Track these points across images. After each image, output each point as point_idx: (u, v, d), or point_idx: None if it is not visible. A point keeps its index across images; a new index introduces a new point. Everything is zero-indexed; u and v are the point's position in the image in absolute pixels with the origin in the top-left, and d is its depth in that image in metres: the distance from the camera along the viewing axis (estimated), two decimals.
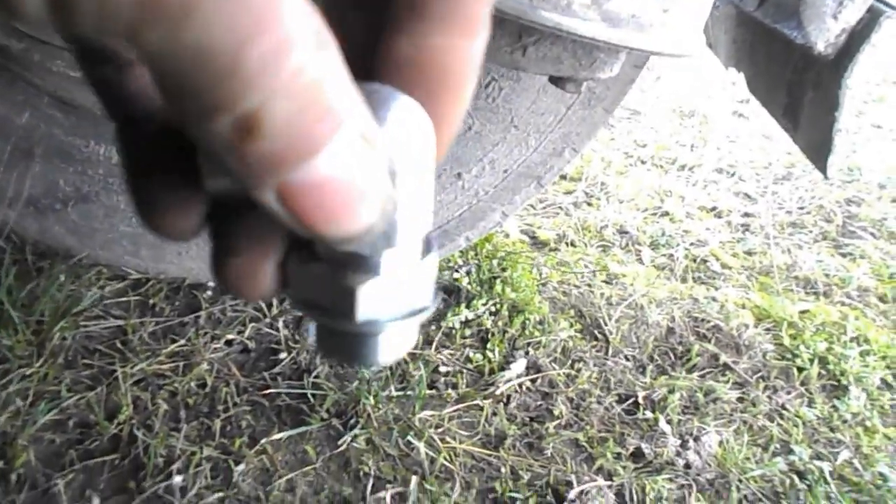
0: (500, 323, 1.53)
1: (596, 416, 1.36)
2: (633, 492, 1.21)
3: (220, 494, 1.10)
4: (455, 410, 1.32)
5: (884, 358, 1.63)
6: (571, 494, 1.18)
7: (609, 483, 1.22)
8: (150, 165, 0.27)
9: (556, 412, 1.34)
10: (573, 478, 1.22)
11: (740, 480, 1.27)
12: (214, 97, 0.19)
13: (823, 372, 1.56)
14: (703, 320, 1.66)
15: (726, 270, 1.92)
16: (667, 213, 2.17)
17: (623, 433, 1.33)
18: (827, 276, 1.95)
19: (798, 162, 2.58)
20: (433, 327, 1.49)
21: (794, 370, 1.56)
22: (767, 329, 1.68)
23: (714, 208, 2.25)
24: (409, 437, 1.23)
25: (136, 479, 1.11)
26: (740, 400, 1.46)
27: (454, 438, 1.26)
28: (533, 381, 1.41)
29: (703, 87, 3.27)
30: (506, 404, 1.35)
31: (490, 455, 1.25)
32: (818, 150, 1.01)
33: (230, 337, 1.39)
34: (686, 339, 1.60)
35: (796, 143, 1.09)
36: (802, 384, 1.53)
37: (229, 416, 1.23)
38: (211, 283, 1.48)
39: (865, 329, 1.70)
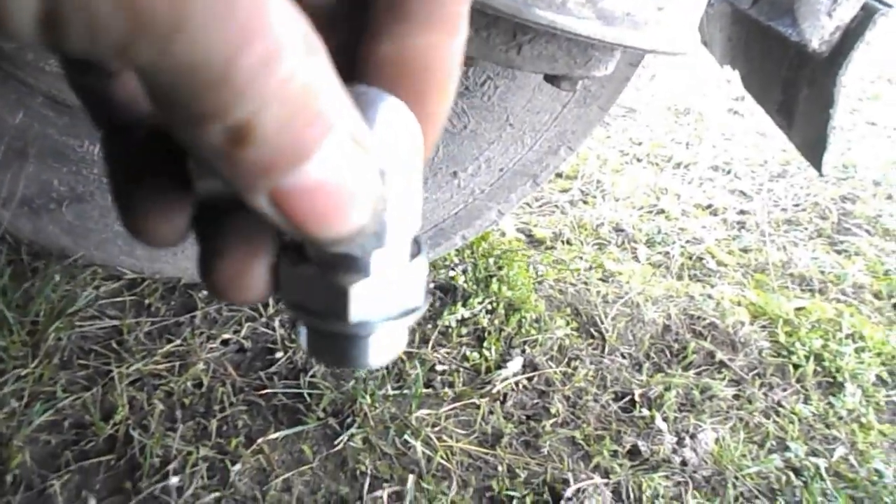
0: (496, 321, 1.53)
1: (592, 413, 1.36)
2: (630, 489, 1.22)
3: (217, 494, 1.10)
4: (452, 409, 1.32)
5: (879, 354, 1.63)
6: (568, 492, 1.18)
7: (606, 481, 1.22)
8: (138, 171, 0.27)
9: (552, 410, 1.34)
10: (570, 476, 1.22)
11: (736, 477, 1.27)
12: (206, 107, 0.19)
13: (819, 369, 1.57)
14: (699, 318, 1.66)
15: (722, 268, 1.92)
16: (662, 211, 2.17)
17: (619, 431, 1.33)
18: (822, 273, 1.96)
19: (793, 159, 2.59)
20: (429, 326, 1.49)
21: (790, 367, 1.56)
22: (763, 326, 1.68)
23: (709, 206, 2.26)
24: (405, 436, 1.23)
25: (132, 479, 1.11)
26: (736, 397, 1.46)
27: (451, 437, 1.26)
28: (529, 379, 1.41)
29: (698, 85, 3.27)
30: (502, 403, 1.35)
31: (487, 453, 1.25)
32: (813, 147, 1.01)
33: (226, 336, 1.38)
34: (682, 337, 1.60)
35: (791, 141, 1.10)
36: (798, 381, 1.53)
37: (225, 415, 1.23)
38: None
39: (861, 326, 1.71)
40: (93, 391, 1.23)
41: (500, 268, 1.68)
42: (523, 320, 1.54)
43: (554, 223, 2.01)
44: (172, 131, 0.21)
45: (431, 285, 1.61)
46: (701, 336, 1.61)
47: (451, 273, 1.64)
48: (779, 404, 1.46)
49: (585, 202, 2.17)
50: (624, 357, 1.52)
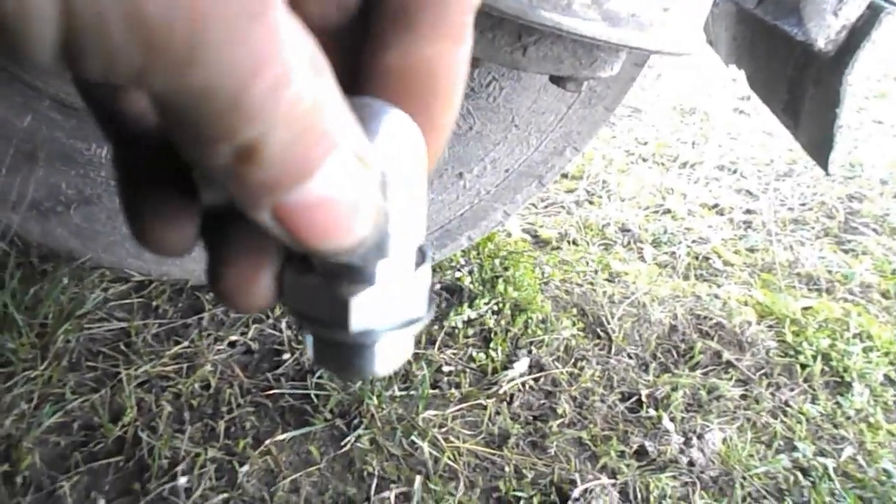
0: (502, 322, 1.53)
1: (599, 414, 1.36)
2: (637, 490, 1.21)
3: (225, 495, 1.11)
4: (458, 410, 1.32)
5: (887, 354, 1.63)
6: (575, 493, 1.18)
7: (613, 481, 1.22)
8: (146, 181, 0.27)
9: (559, 411, 1.34)
10: (577, 476, 1.22)
11: (744, 478, 1.27)
12: (216, 129, 0.20)
13: (826, 368, 1.56)
14: (705, 318, 1.66)
15: (728, 268, 1.92)
16: (669, 211, 2.17)
17: (626, 431, 1.33)
18: (829, 272, 1.95)
19: (799, 158, 2.58)
20: (436, 327, 1.49)
21: (798, 367, 1.56)
22: (770, 326, 1.68)
23: (716, 205, 2.25)
24: (412, 437, 1.23)
25: (140, 480, 1.11)
26: (743, 397, 1.46)
27: (458, 438, 1.26)
28: (536, 379, 1.41)
29: (703, 85, 3.27)
30: (509, 403, 1.35)
31: (494, 454, 1.25)
32: (819, 146, 1.01)
33: (233, 338, 1.39)
34: (689, 337, 1.60)
35: (797, 140, 1.09)
36: (806, 381, 1.53)
37: (233, 417, 1.23)
38: None
39: (868, 325, 1.70)
40: (101, 393, 1.23)
41: (506, 268, 1.68)
42: (529, 321, 1.54)
43: (560, 224, 2.01)
44: (179, 149, 0.21)
45: (438, 286, 1.61)
46: (708, 336, 1.61)
47: (458, 274, 1.64)
48: (786, 404, 1.46)
49: (591, 202, 2.17)
50: (630, 357, 1.52)
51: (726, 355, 1.55)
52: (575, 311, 1.62)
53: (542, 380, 1.41)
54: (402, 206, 0.25)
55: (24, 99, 1.21)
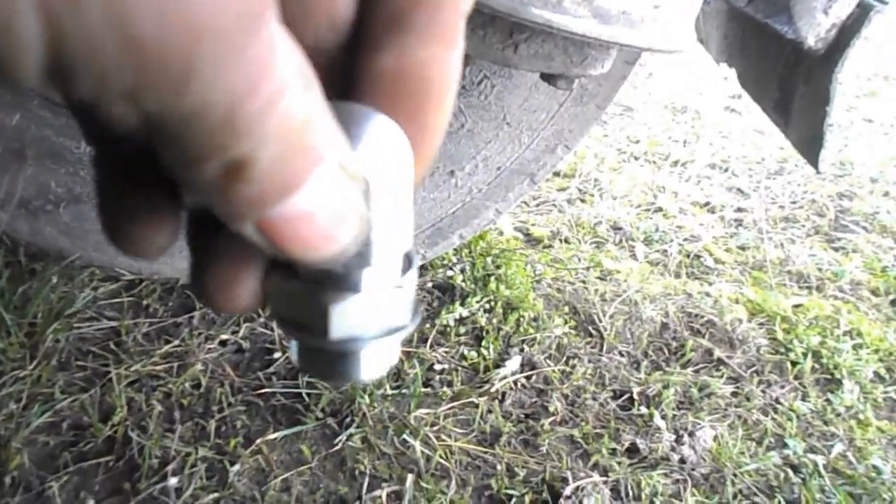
0: (494, 320, 1.53)
1: (591, 412, 1.36)
2: (629, 487, 1.22)
3: (216, 495, 1.10)
4: (450, 408, 1.32)
5: (876, 351, 1.63)
6: (567, 491, 1.18)
7: (604, 479, 1.22)
8: (127, 183, 0.26)
9: (551, 409, 1.35)
10: (569, 474, 1.22)
11: (735, 475, 1.27)
12: (206, 147, 0.19)
13: (817, 366, 1.57)
14: (696, 315, 1.66)
15: (720, 265, 1.93)
16: (660, 209, 2.18)
17: (618, 429, 1.33)
18: (820, 270, 1.96)
19: (790, 157, 2.59)
20: (428, 325, 1.49)
21: (788, 364, 1.56)
22: (761, 324, 1.68)
23: (707, 204, 2.26)
24: (404, 436, 1.23)
25: (130, 480, 1.11)
26: (734, 394, 1.46)
27: (450, 436, 1.26)
28: (528, 377, 1.41)
29: (695, 83, 3.28)
30: (501, 401, 1.35)
31: (486, 452, 1.25)
32: (809, 144, 1.01)
33: (224, 337, 1.38)
34: (680, 335, 1.60)
35: (788, 138, 1.10)
36: (796, 378, 1.53)
37: (224, 416, 1.23)
38: None
39: (858, 322, 1.71)
40: (91, 392, 1.23)
41: (498, 267, 1.68)
42: (521, 319, 1.54)
43: (552, 222, 2.01)
44: (164, 164, 0.21)
45: (430, 284, 1.61)
46: (699, 334, 1.62)
47: (450, 272, 1.64)
48: (777, 401, 1.47)
49: (583, 201, 2.17)
50: (622, 355, 1.52)
51: (717, 353, 1.56)
52: (567, 309, 1.63)
53: (533, 378, 1.41)
54: (387, 213, 0.25)
55: (14, 97, 1.20)
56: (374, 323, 0.27)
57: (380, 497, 1.14)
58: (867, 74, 3.77)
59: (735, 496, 1.24)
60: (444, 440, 1.25)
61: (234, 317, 1.43)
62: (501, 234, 1.88)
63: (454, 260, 1.69)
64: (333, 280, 0.26)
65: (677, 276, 1.85)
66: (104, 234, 0.27)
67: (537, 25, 0.72)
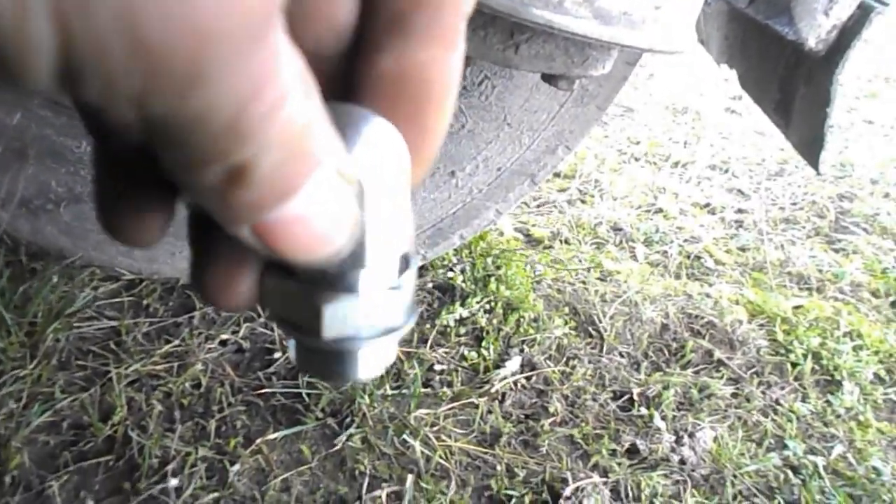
0: (494, 321, 1.53)
1: (591, 413, 1.36)
2: (629, 488, 1.22)
3: (216, 495, 1.10)
4: (450, 408, 1.32)
5: (877, 353, 1.63)
6: (567, 491, 1.18)
7: (604, 480, 1.22)
8: (125, 175, 0.27)
9: (551, 409, 1.35)
10: (568, 475, 1.22)
11: (735, 476, 1.27)
12: (209, 152, 0.19)
13: (817, 367, 1.57)
14: (697, 317, 1.66)
15: (720, 267, 1.93)
16: (660, 210, 2.18)
17: (618, 430, 1.33)
18: (820, 271, 1.96)
19: (791, 158, 2.59)
20: (428, 325, 1.49)
21: (788, 365, 1.56)
22: (761, 325, 1.68)
23: (707, 205, 2.26)
24: (404, 436, 1.23)
25: (130, 480, 1.11)
26: (734, 396, 1.46)
27: (450, 437, 1.26)
28: (528, 378, 1.41)
29: (695, 84, 3.28)
30: (501, 402, 1.35)
31: (486, 453, 1.25)
32: (810, 145, 1.01)
33: (224, 337, 1.38)
34: (680, 336, 1.60)
35: (788, 139, 1.10)
36: (796, 379, 1.53)
37: (224, 416, 1.23)
38: None
39: (858, 324, 1.71)
40: (91, 392, 1.23)
41: (498, 267, 1.68)
42: (522, 320, 1.54)
43: (552, 222, 2.01)
44: (164, 167, 0.21)
45: (430, 285, 1.61)
46: (699, 335, 1.62)
47: (450, 273, 1.64)
48: (777, 403, 1.46)
49: (583, 201, 2.17)
50: (622, 356, 1.52)
51: (717, 354, 1.56)
52: (567, 309, 1.63)
53: (533, 378, 1.41)
54: (383, 215, 0.25)
55: (14, 96, 1.20)
56: (369, 323, 0.27)
57: (380, 497, 1.14)
58: (868, 76, 3.77)
59: (735, 497, 1.24)
60: (443, 440, 1.25)
61: (235, 317, 1.43)
62: (502, 234, 1.88)
63: (454, 260, 1.69)
64: (328, 280, 0.26)
65: (677, 277, 1.85)
66: (100, 223, 0.27)
67: (538, 26, 0.72)
